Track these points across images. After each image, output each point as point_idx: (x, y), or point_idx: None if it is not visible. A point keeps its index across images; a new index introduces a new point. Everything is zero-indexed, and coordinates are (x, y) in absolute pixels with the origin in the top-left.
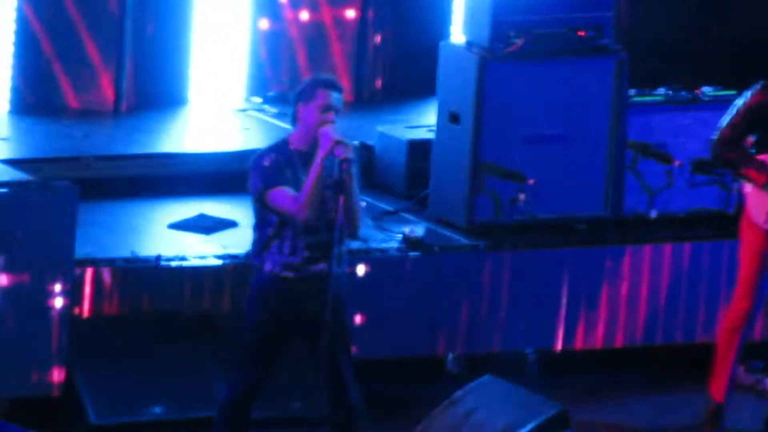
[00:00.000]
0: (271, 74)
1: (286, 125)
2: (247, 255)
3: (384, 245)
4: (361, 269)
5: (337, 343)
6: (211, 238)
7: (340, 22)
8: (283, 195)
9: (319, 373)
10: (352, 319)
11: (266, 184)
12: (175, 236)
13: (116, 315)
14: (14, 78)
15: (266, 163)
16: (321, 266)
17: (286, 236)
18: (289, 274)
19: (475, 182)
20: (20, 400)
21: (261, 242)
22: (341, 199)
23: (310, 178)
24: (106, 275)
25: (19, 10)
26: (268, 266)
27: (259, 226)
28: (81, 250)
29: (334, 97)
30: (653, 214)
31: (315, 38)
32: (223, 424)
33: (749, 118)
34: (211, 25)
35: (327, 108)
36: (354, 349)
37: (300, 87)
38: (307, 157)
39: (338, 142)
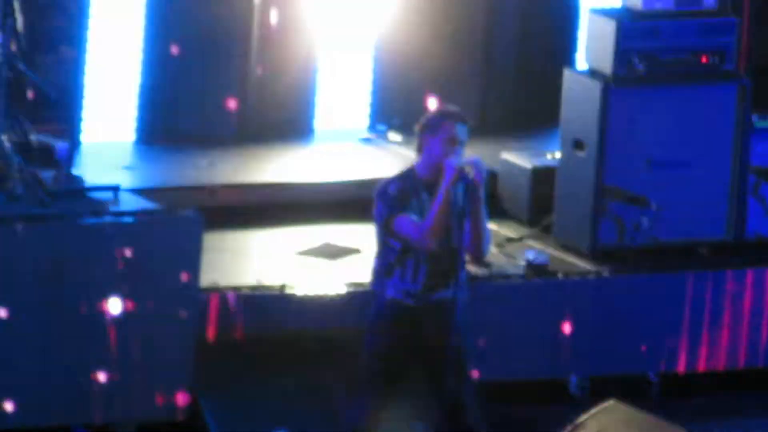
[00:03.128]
0: (395, 102)
1: (411, 153)
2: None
3: (508, 271)
4: (485, 294)
5: (456, 368)
6: (336, 265)
7: (462, 50)
8: (409, 223)
9: (439, 396)
10: (473, 344)
11: (392, 211)
12: (301, 264)
13: (241, 340)
14: (140, 107)
15: (392, 191)
16: (442, 293)
17: (408, 263)
18: (410, 302)
19: (598, 207)
20: (146, 424)
21: (383, 269)
22: (467, 223)
23: (434, 207)
24: (231, 302)
25: (146, 40)
26: (389, 293)
27: (382, 253)
28: (206, 278)
29: (460, 129)
30: None
31: (439, 66)
32: None
33: None
34: (336, 52)
35: (452, 140)
36: (478, 372)
37: (426, 118)
38: (432, 186)
39: (464, 170)
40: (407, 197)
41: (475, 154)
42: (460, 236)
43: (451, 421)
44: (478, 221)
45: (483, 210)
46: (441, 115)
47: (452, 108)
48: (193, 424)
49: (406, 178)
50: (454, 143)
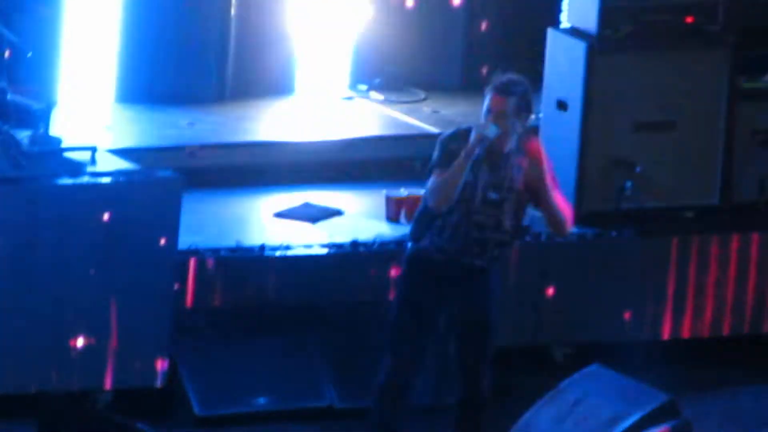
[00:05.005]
0: (377, 62)
1: (393, 112)
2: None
3: None
4: None
5: (480, 337)
6: (317, 227)
7: (445, 8)
8: (436, 177)
9: (448, 361)
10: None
11: (436, 164)
12: (280, 225)
13: (220, 305)
14: (119, 67)
15: (450, 145)
16: (473, 260)
17: (449, 222)
18: (438, 257)
19: (582, 170)
20: (123, 391)
21: (425, 218)
22: (545, 209)
23: (450, 169)
24: (211, 265)
25: None
26: (424, 243)
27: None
28: (185, 240)
29: (497, 101)
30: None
31: (420, 25)
32: (380, 410)
33: None
34: (316, 12)
35: (488, 111)
36: None
37: None
38: (489, 153)
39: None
40: (456, 157)
41: (458, 113)
42: (512, 212)
43: (465, 388)
44: (546, 200)
45: (547, 188)
46: (489, 86)
47: (501, 77)
48: (171, 390)
49: (467, 138)
50: (489, 113)
